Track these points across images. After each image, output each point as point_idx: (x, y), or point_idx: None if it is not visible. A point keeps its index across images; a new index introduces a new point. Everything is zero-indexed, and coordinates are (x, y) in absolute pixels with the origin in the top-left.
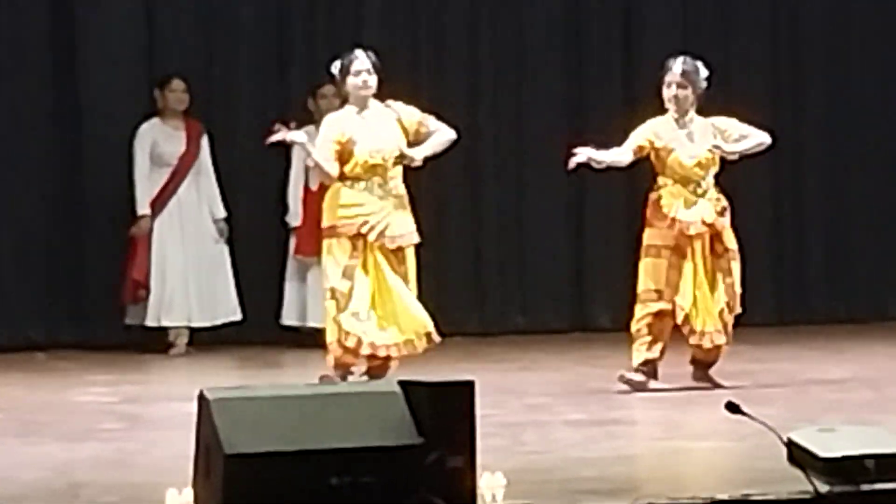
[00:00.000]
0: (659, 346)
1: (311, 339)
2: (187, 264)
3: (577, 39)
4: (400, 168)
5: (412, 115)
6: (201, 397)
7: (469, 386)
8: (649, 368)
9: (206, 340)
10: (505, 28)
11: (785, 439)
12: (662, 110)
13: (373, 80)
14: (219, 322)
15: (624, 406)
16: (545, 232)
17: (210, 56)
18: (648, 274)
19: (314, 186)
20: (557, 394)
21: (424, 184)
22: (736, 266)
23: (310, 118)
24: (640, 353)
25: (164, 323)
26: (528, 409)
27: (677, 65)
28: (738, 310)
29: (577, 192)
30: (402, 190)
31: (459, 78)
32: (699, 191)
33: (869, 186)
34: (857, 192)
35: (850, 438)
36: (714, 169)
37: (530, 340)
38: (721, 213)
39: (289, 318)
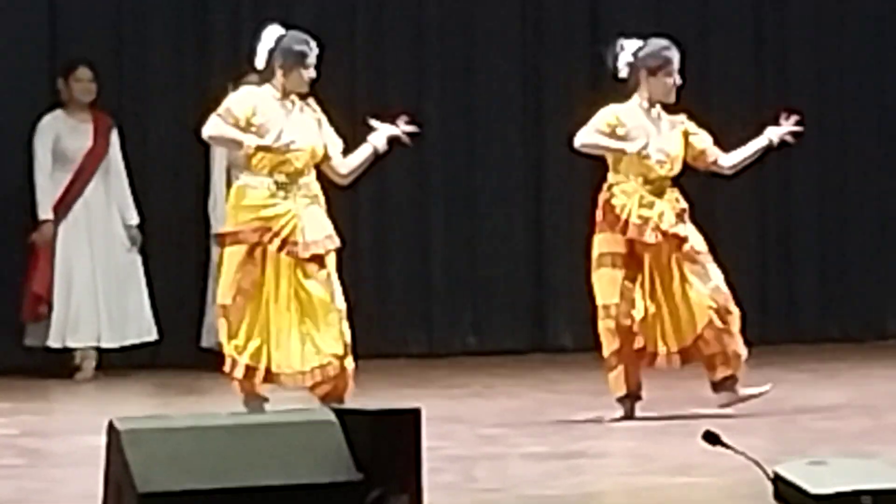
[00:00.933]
0: (633, 377)
1: None
2: (95, 277)
3: (537, 34)
4: (313, 168)
5: (329, 133)
6: (111, 428)
7: (414, 414)
8: (627, 404)
9: (116, 363)
10: (454, 3)
11: (771, 474)
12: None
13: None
14: (131, 342)
15: (589, 437)
16: (499, 240)
17: (120, 40)
18: (604, 287)
19: None
20: (514, 423)
21: (363, 186)
22: (714, 267)
23: None
24: (616, 385)
25: (70, 343)
26: (481, 441)
27: (674, 52)
28: (736, 311)
29: (535, 195)
30: (315, 189)
31: (402, 66)
32: (655, 190)
33: (863, 192)
34: (850, 197)
35: (843, 472)
36: (677, 169)
37: (483, 363)
38: (680, 217)
39: (211, 338)
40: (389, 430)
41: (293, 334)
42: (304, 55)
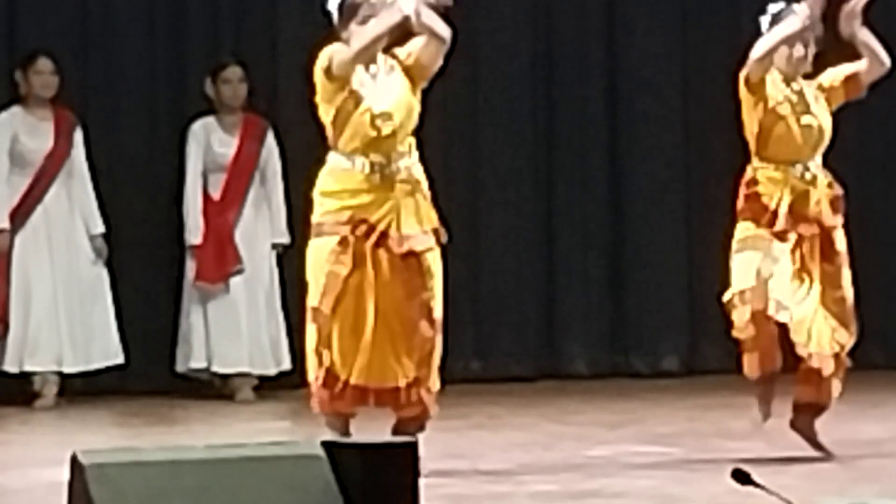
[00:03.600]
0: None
1: (215, 389)
2: (56, 293)
3: (548, 20)
4: (413, 144)
5: (405, 50)
6: (74, 462)
7: (410, 448)
8: (762, 387)
9: (80, 389)
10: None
11: None
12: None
13: None
14: (96, 366)
15: (605, 474)
16: (505, 253)
17: (85, 29)
18: (741, 271)
19: (216, 195)
20: (521, 458)
21: None
22: (847, 274)
23: (209, 107)
24: (749, 367)
25: (28, 367)
26: (485, 478)
27: (796, 16)
28: (854, 335)
29: (546, 202)
30: (416, 173)
31: None
32: (808, 175)
33: None
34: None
35: None
36: (825, 145)
37: (487, 390)
38: (835, 207)
39: (185, 361)
40: (382, 465)
41: (385, 346)
42: (359, 5)
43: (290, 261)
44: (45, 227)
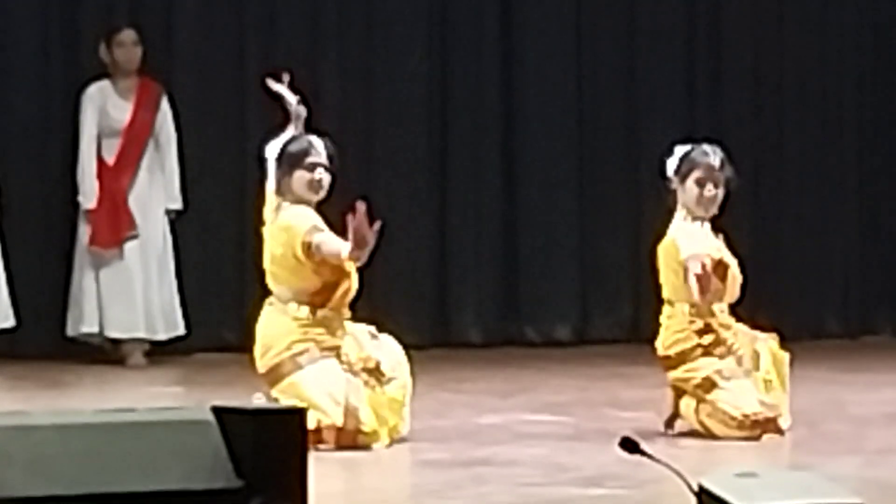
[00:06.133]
0: None
1: (105, 354)
2: None
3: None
4: None
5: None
6: None
7: (300, 414)
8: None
9: None
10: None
11: (695, 486)
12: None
13: (327, 180)
14: None
15: (496, 442)
16: (399, 222)
17: None
18: None
19: (111, 159)
20: (412, 426)
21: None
22: None
23: (104, 71)
24: None
25: None
26: (376, 445)
27: (713, 154)
28: None
29: (440, 173)
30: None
31: (296, 28)
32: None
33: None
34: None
35: (774, 486)
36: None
37: None
38: None
39: (76, 326)
40: (274, 431)
41: None
42: (304, 151)
43: (183, 226)
44: None
